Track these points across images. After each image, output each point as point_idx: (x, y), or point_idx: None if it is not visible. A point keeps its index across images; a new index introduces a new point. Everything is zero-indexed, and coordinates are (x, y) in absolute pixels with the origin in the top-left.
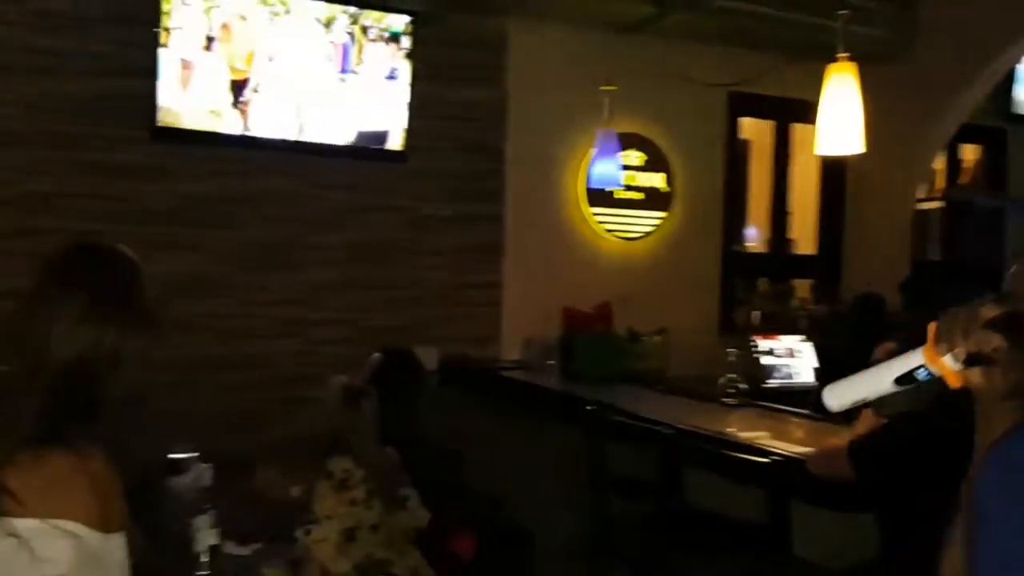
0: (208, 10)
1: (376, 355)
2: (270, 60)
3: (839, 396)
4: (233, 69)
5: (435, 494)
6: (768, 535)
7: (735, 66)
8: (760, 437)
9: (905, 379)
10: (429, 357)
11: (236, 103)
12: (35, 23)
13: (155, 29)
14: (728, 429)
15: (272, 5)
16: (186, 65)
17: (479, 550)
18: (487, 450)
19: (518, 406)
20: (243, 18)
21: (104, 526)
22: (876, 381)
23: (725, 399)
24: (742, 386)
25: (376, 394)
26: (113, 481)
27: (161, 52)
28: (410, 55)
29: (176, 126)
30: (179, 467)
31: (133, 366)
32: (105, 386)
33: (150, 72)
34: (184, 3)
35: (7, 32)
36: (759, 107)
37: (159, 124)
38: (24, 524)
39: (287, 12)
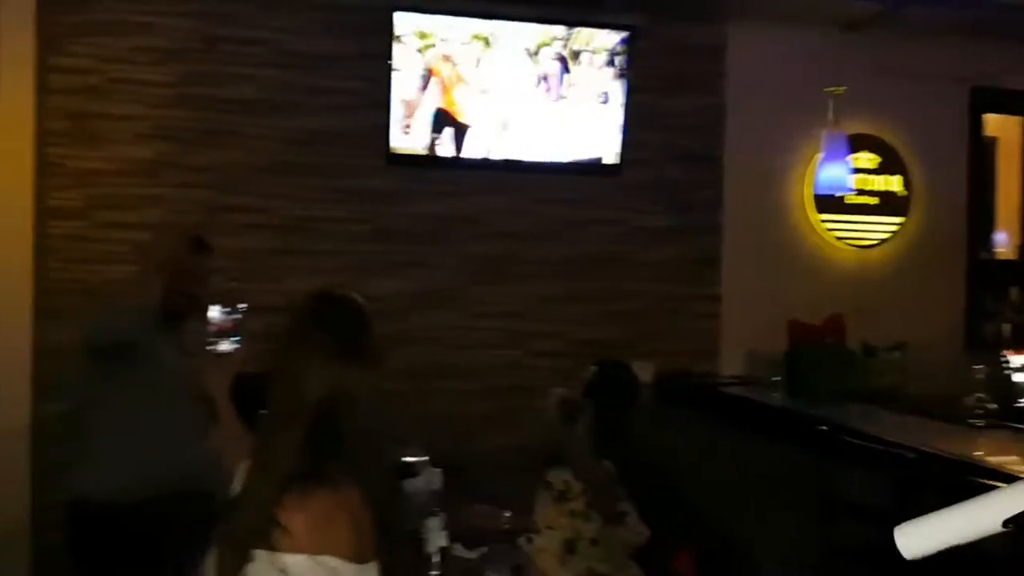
0: (424, 49)
1: (592, 368)
2: (482, 91)
3: (919, 541)
4: (447, 99)
5: (654, 511)
6: (1020, 571)
7: (977, 59)
8: (1011, 462)
9: (1017, 519)
10: (645, 371)
11: (452, 132)
12: (294, 64)
13: (388, 61)
14: (975, 453)
15: (483, 39)
16: (407, 99)
17: (700, 570)
18: (706, 467)
19: (739, 423)
20: (451, 57)
21: (360, 558)
22: (974, 522)
23: (972, 420)
24: (991, 406)
25: (591, 407)
26: (366, 513)
27: (393, 86)
28: (624, 72)
29: (406, 153)
30: (412, 470)
31: (369, 400)
32: (349, 420)
33: (384, 104)
34: (401, 42)
35: (273, 72)
36: (1006, 102)
37: (392, 152)
38: (293, 560)
39: (498, 42)
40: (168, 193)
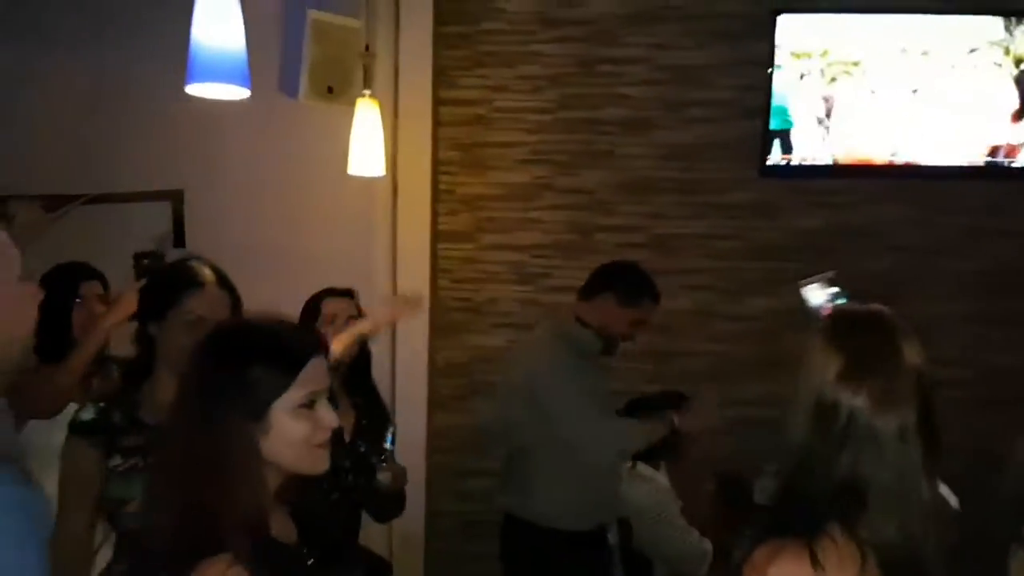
0: (808, 53)
1: None
2: (870, 92)
3: None
4: (830, 103)
5: None
6: None
7: None
8: None
9: None
10: None
11: (835, 138)
12: (667, 79)
13: (769, 69)
14: None
15: (879, 36)
16: (787, 105)
17: None
18: None
19: None
20: (838, 58)
21: None
22: None
23: None
24: None
25: None
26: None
27: (772, 93)
28: None
29: (781, 163)
30: None
31: (893, 442)
32: (867, 462)
33: (761, 113)
34: (794, 56)
35: (646, 90)
36: None
37: (767, 163)
38: None
39: (889, 39)
40: (543, 215)
